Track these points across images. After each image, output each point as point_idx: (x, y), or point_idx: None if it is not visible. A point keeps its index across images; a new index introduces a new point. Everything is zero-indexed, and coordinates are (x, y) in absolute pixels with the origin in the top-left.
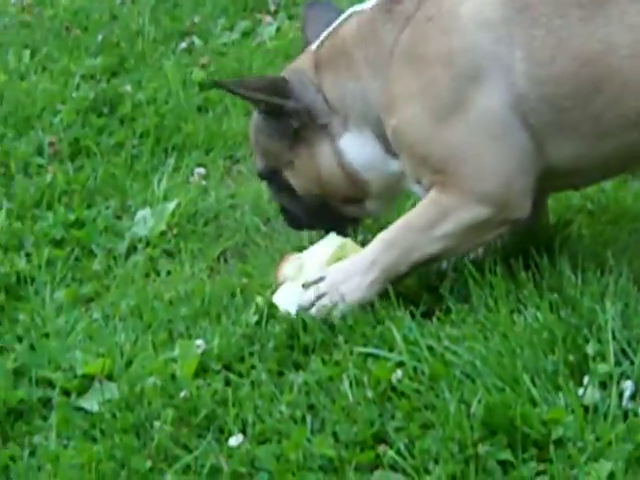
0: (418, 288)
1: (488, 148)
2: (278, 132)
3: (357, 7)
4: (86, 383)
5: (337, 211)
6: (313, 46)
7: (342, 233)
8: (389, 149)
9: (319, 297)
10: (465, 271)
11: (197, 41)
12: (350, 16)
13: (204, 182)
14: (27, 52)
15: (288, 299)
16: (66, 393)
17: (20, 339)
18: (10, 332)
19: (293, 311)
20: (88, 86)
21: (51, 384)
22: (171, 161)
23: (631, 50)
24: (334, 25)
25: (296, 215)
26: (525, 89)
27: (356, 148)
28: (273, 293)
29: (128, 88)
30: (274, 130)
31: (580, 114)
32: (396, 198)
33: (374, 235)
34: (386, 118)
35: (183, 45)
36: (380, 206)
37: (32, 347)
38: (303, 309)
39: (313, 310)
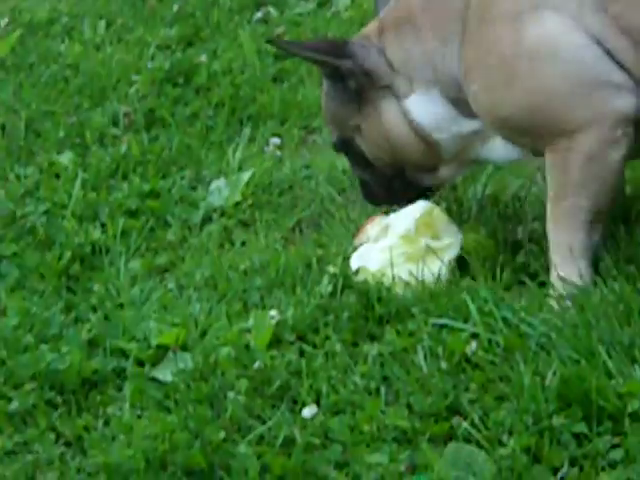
0: (494, 260)
1: (566, 90)
2: (344, 95)
3: None
4: (160, 353)
5: (411, 180)
6: (381, 14)
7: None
8: (463, 110)
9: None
10: (542, 242)
11: (273, 11)
12: None
13: (279, 152)
14: (102, 23)
15: (367, 258)
16: (140, 363)
17: (94, 309)
18: (84, 302)
19: (371, 269)
20: (163, 56)
21: (125, 354)
22: (246, 131)
23: None
24: None
25: (373, 188)
26: (601, 36)
27: (424, 108)
28: (352, 253)
29: (203, 58)
30: (340, 93)
31: None
32: (471, 164)
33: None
34: (465, 84)
35: (259, 15)
36: (454, 172)
37: (106, 317)
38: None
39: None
